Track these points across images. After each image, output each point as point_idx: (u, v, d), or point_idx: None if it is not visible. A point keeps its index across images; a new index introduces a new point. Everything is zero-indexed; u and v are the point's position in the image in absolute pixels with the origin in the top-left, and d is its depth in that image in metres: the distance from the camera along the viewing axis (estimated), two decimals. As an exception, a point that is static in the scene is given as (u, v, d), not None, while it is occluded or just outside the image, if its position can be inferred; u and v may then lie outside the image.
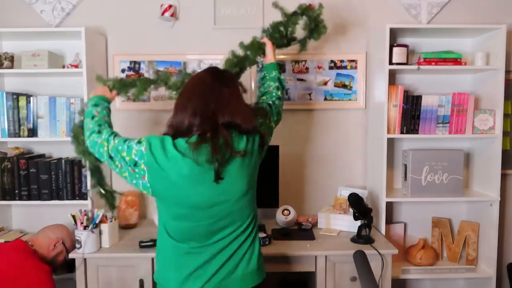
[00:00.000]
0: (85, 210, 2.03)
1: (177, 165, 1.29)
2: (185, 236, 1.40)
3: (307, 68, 2.53)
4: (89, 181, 2.24)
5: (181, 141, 1.31)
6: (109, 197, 1.85)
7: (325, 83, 2.54)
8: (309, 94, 2.53)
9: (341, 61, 2.53)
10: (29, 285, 1.78)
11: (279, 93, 1.75)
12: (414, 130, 2.31)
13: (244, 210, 1.42)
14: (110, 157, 1.40)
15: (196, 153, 1.27)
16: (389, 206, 2.57)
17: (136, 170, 1.34)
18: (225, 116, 1.31)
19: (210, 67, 1.53)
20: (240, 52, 1.86)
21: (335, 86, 2.54)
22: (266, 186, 2.44)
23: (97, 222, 2.02)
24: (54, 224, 2.23)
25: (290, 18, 1.93)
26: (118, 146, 1.38)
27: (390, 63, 2.26)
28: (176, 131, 1.34)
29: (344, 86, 2.54)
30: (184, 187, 1.32)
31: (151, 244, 2.05)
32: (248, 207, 1.44)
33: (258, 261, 1.47)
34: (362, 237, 2.12)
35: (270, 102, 1.69)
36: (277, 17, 2.49)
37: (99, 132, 1.48)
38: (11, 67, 2.30)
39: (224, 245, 1.40)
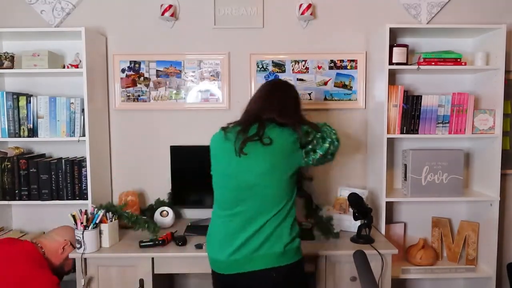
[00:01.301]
0: (85, 210, 2.03)
1: (219, 143, 1.73)
2: (219, 201, 1.70)
3: (307, 68, 2.53)
4: (89, 181, 2.24)
5: (230, 129, 1.73)
6: None
7: (325, 83, 2.54)
8: (309, 94, 2.53)
9: (341, 61, 2.53)
10: None
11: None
12: (414, 130, 2.31)
13: (271, 194, 1.61)
14: None
15: (231, 135, 1.68)
16: (389, 206, 2.57)
17: None
18: (266, 114, 1.69)
19: (270, 80, 1.91)
20: None
21: (335, 86, 2.54)
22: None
23: (97, 222, 2.02)
24: (60, 226, 2.22)
25: None
26: None
27: (390, 63, 2.26)
28: (236, 123, 1.76)
29: (344, 86, 2.54)
30: (221, 159, 1.71)
31: (151, 244, 2.05)
32: (277, 194, 1.62)
33: (285, 246, 1.60)
34: (362, 237, 2.13)
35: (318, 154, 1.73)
36: (277, 17, 2.51)
37: None
38: (11, 67, 2.30)
39: (248, 217, 1.61)
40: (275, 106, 1.71)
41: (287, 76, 2.52)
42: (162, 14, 2.43)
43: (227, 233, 1.64)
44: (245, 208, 1.63)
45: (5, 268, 1.80)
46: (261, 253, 1.58)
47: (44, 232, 2.48)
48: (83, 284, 1.97)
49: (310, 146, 1.69)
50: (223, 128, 1.74)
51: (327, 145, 1.69)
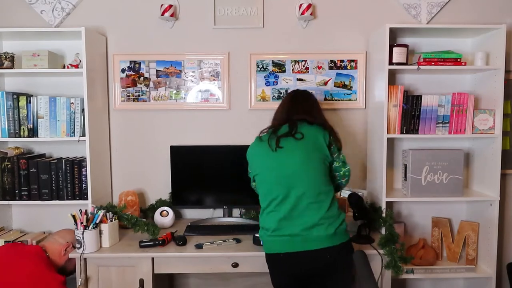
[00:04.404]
0: (85, 210, 2.03)
1: (255, 148, 1.93)
2: (265, 194, 1.83)
3: (307, 68, 2.53)
4: (89, 181, 2.24)
5: (263, 134, 1.93)
6: None
7: (325, 83, 2.54)
8: (309, 94, 2.53)
9: (341, 61, 2.53)
10: None
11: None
12: (414, 130, 2.31)
13: (311, 180, 1.77)
14: None
15: (265, 137, 1.90)
16: (389, 206, 2.57)
17: None
18: (296, 116, 1.90)
19: (291, 90, 2.09)
20: None
21: (335, 86, 2.54)
22: (266, 186, 2.45)
23: (97, 222, 2.02)
24: (61, 229, 2.25)
25: None
26: None
27: (390, 63, 2.26)
28: (267, 128, 1.95)
29: (344, 86, 2.54)
30: (259, 158, 1.89)
31: (151, 244, 2.05)
32: (317, 180, 1.78)
33: (336, 229, 1.75)
34: (362, 237, 2.13)
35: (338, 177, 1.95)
36: (277, 17, 2.51)
37: None
38: (11, 67, 2.30)
39: (294, 203, 1.76)
40: (303, 108, 1.92)
41: (287, 76, 2.52)
42: (162, 14, 2.43)
43: (279, 219, 1.77)
44: (289, 195, 1.76)
45: (17, 267, 1.87)
46: (314, 234, 1.73)
47: (44, 232, 2.49)
48: (79, 284, 1.98)
49: (331, 154, 1.87)
50: (258, 137, 1.95)
51: (348, 167, 1.92)
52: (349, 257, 1.76)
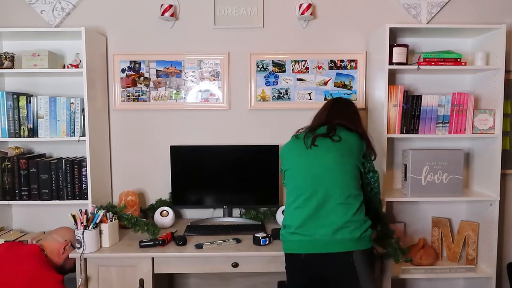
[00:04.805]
0: (85, 210, 2.03)
1: (289, 145, 1.91)
2: (293, 190, 1.80)
3: (307, 68, 2.53)
4: (89, 181, 2.24)
5: (300, 133, 1.92)
6: None
7: (325, 83, 2.54)
8: (309, 94, 2.53)
9: (341, 61, 2.53)
10: None
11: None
12: (414, 130, 2.32)
13: (341, 181, 1.74)
14: None
15: (301, 135, 1.88)
16: (389, 206, 2.57)
17: None
18: (335, 120, 1.88)
19: (333, 98, 2.09)
20: None
21: (335, 86, 2.54)
22: (266, 186, 2.45)
23: (97, 222, 2.02)
24: (59, 227, 2.24)
25: None
26: None
27: (390, 63, 2.26)
28: (305, 128, 1.94)
29: (344, 86, 2.54)
30: (292, 154, 1.86)
31: (151, 244, 2.05)
32: (346, 183, 1.75)
33: (361, 234, 1.70)
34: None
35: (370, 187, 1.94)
36: (277, 17, 2.51)
37: None
38: (12, 67, 2.30)
39: (321, 202, 1.72)
40: (343, 114, 1.91)
41: (287, 76, 2.52)
42: (162, 14, 2.43)
43: (304, 216, 1.73)
44: (317, 193, 1.73)
45: (15, 267, 1.87)
46: (339, 237, 1.68)
47: (44, 232, 2.49)
48: (79, 284, 1.98)
49: (365, 163, 1.86)
50: (294, 135, 1.93)
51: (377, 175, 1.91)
52: (372, 264, 1.73)
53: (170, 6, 2.43)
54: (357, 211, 1.73)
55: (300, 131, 1.93)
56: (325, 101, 2.07)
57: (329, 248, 1.69)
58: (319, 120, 1.94)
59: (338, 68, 2.53)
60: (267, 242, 2.08)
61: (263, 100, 2.54)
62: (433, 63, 2.27)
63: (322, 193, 1.73)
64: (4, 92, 2.27)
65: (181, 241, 2.08)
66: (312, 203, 1.73)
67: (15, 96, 2.29)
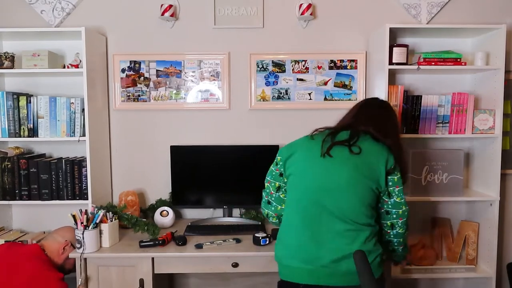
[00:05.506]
0: (85, 210, 2.03)
1: (301, 144, 1.65)
2: (294, 201, 1.60)
3: (307, 68, 2.53)
4: (89, 181, 2.24)
5: (317, 133, 1.67)
6: None
7: (325, 83, 2.54)
8: (309, 94, 2.54)
9: (341, 61, 2.53)
10: None
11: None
12: (414, 130, 2.32)
13: (350, 202, 1.52)
14: None
15: (318, 137, 1.64)
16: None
17: None
18: (362, 126, 1.64)
19: (369, 98, 1.84)
20: None
21: (335, 86, 2.54)
22: (266, 186, 2.45)
23: (97, 222, 2.02)
24: (60, 227, 2.24)
25: None
26: None
27: (390, 63, 2.26)
28: (325, 128, 1.69)
29: (344, 86, 2.54)
30: (301, 158, 1.62)
31: (151, 244, 2.05)
32: (357, 205, 1.53)
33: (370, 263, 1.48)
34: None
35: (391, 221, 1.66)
36: (277, 17, 2.51)
37: None
38: (12, 67, 2.30)
39: (326, 223, 1.52)
40: (373, 119, 1.66)
41: (287, 76, 2.52)
42: (162, 14, 2.43)
43: (305, 236, 1.54)
44: (323, 212, 1.53)
45: (16, 267, 1.88)
46: (343, 269, 1.50)
47: (44, 232, 2.49)
48: (79, 284, 1.98)
49: (390, 183, 1.59)
50: (308, 135, 1.67)
51: (403, 208, 1.62)
52: None
53: (170, 6, 2.43)
54: (366, 240, 1.52)
55: (319, 130, 1.68)
56: (361, 101, 1.82)
57: (332, 280, 1.51)
58: (344, 122, 1.70)
59: (338, 68, 2.53)
60: (267, 242, 2.08)
61: (263, 100, 2.54)
62: (433, 63, 2.27)
63: (328, 213, 1.52)
64: (4, 92, 2.27)
65: (181, 241, 2.08)
66: (315, 223, 1.53)
67: (15, 96, 2.29)
